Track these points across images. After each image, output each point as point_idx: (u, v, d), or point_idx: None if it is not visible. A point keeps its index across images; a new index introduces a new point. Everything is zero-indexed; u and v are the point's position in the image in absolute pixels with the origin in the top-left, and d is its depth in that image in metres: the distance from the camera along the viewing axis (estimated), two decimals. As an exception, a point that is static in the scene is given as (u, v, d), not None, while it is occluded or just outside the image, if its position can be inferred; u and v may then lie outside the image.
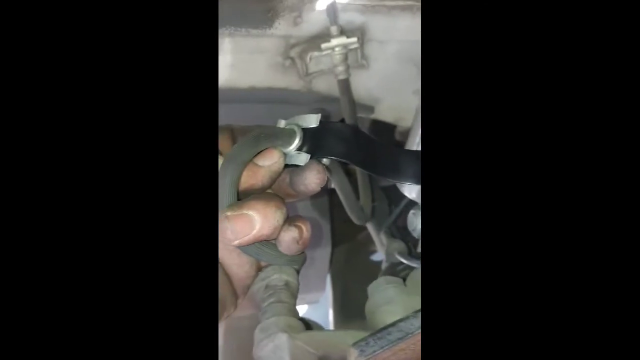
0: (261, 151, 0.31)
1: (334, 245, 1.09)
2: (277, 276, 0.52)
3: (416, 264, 0.63)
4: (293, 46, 0.64)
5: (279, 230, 0.30)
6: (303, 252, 0.32)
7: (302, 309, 1.32)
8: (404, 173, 0.35)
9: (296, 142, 0.31)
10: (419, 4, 0.61)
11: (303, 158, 0.31)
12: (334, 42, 0.62)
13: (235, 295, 0.33)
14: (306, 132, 0.32)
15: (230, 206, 0.29)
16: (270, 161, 0.31)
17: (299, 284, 0.54)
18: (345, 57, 0.64)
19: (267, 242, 0.30)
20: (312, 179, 0.31)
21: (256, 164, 0.31)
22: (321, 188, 0.33)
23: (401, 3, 0.63)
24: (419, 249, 0.69)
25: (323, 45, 0.62)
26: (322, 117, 0.33)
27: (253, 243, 0.29)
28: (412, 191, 0.53)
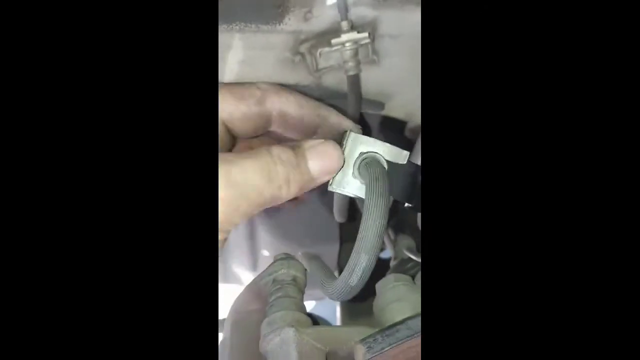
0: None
1: (342, 242, 1.09)
2: (285, 271, 0.52)
3: (425, 261, 0.63)
4: (303, 42, 0.64)
5: None
6: None
7: (310, 305, 1.32)
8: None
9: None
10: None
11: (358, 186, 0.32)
12: (345, 37, 0.62)
13: None
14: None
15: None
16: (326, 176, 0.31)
17: (306, 279, 0.54)
18: (356, 53, 0.63)
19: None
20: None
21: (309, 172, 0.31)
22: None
23: (414, -3, 0.62)
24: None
25: (333, 41, 0.62)
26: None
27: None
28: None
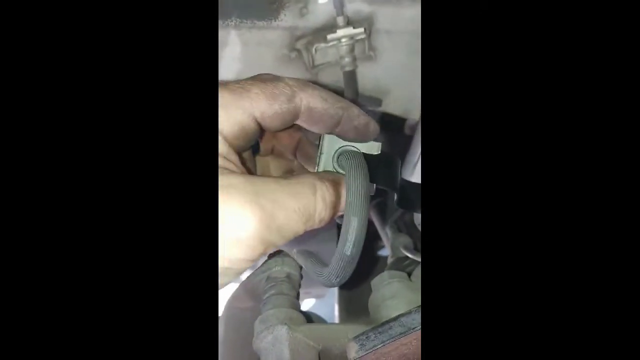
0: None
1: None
2: (279, 268, 0.52)
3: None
4: (299, 38, 0.64)
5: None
6: None
7: (309, 303, 1.32)
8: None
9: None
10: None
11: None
12: (341, 32, 0.62)
13: None
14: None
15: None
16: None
17: (301, 277, 0.53)
18: (352, 49, 0.63)
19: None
20: None
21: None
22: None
23: (410, -7, 0.61)
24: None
25: (329, 37, 0.61)
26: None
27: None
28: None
